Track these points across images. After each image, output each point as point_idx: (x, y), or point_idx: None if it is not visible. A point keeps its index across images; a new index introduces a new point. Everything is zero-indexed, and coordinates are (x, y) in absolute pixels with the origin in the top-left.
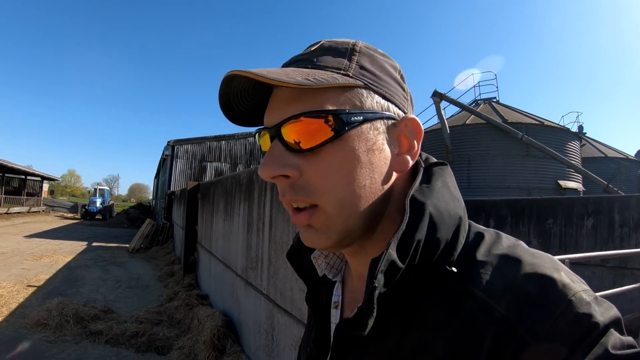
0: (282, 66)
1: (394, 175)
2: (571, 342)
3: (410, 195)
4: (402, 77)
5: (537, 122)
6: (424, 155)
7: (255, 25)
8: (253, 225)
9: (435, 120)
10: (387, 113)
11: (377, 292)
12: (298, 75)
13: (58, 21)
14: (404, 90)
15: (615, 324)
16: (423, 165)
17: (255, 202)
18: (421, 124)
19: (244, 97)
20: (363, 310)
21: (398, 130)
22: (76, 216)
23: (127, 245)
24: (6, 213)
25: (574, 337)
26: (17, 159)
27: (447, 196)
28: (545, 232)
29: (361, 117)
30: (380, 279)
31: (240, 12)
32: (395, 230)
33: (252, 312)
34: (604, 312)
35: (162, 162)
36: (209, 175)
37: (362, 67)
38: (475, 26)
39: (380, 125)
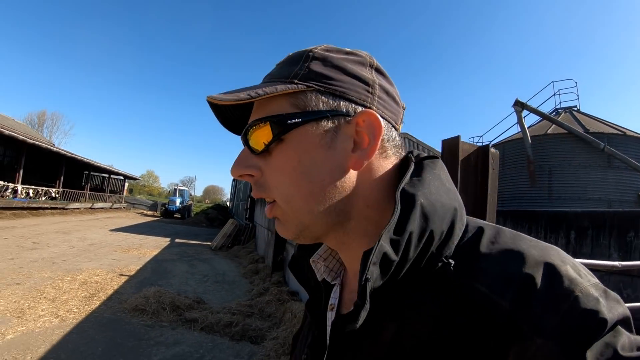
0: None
1: (351, 172)
2: (578, 340)
3: (400, 188)
4: (375, 70)
5: (620, 132)
6: (415, 152)
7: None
8: None
9: (515, 129)
10: (337, 110)
11: (369, 284)
12: (244, 92)
13: (147, 22)
14: (367, 84)
15: (624, 321)
16: (414, 160)
17: None
18: (379, 118)
19: (238, 110)
20: (357, 304)
21: (353, 126)
22: (155, 214)
23: (209, 243)
24: (91, 208)
25: (581, 336)
26: (101, 158)
27: (439, 188)
28: (626, 245)
29: (299, 119)
30: (372, 271)
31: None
32: (385, 224)
33: None
34: (612, 308)
35: None
36: None
37: (310, 72)
38: (552, 31)
39: (327, 123)
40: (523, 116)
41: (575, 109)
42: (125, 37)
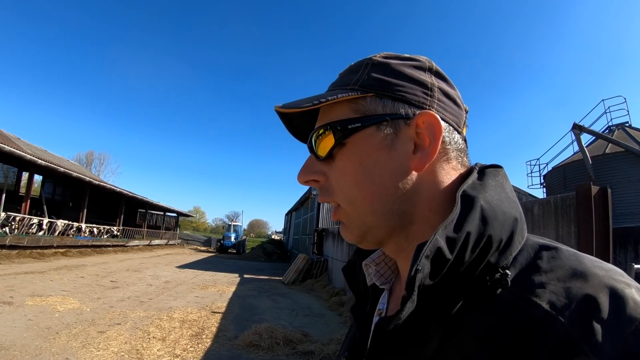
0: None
1: (413, 173)
2: None
3: (462, 189)
4: (435, 73)
5: None
6: (479, 163)
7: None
8: None
9: (570, 150)
10: (396, 113)
11: (419, 275)
12: (308, 101)
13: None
14: (425, 87)
15: None
16: (477, 168)
17: None
18: (439, 119)
19: (306, 120)
20: (404, 297)
21: (413, 128)
22: (210, 249)
23: (278, 278)
24: (149, 245)
25: None
26: (149, 196)
27: (501, 195)
28: None
29: (359, 123)
30: (424, 264)
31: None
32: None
33: None
34: None
35: (304, 200)
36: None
37: (369, 78)
38: (586, 47)
39: (387, 126)
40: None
41: (627, 125)
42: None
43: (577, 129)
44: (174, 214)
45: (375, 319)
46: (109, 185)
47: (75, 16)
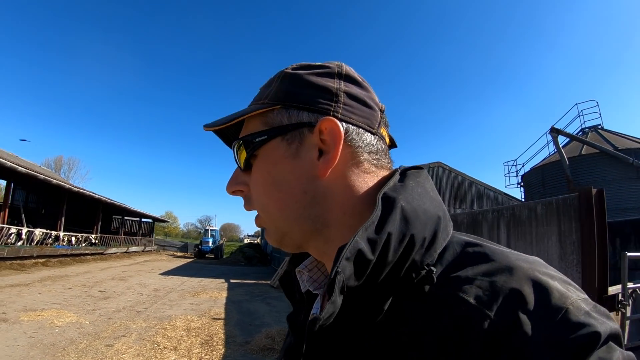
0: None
1: (320, 179)
2: (572, 353)
3: (382, 191)
4: (345, 78)
5: None
6: (402, 166)
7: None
8: None
9: (545, 151)
10: (299, 123)
11: (339, 277)
12: (227, 119)
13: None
14: (330, 93)
15: (615, 337)
16: (399, 170)
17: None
18: (338, 124)
19: (236, 133)
20: (326, 299)
21: (316, 135)
22: (187, 255)
23: (265, 282)
24: (126, 252)
25: (574, 348)
26: (120, 201)
27: (422, 195)
28: None
29: (265, 136)
30: (345, 266)
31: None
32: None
33: None
34: (603, 322)
35: None
36: None
37: (278, 91)
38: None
39: (291, 136)
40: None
41: (600, 127)
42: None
43: (555, 132)
44: (149, 220)
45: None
46: (87, 192)
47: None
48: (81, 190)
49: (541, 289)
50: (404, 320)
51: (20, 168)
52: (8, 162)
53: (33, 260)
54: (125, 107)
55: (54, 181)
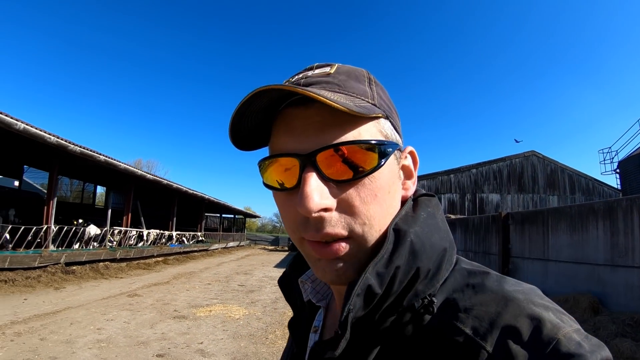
0: (294, 83)
1: (399, 202)
2: None
3: (394, 223)
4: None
5: None
6: (417, 189)
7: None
8: (620, 233)
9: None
10: (398, 142)
11: (352, 315)
12: (345, 100)
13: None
14: (397, 114)
15: None
16: (412, 196)
17: (619, 220)
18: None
19: (253, 119)
20: (337, 333)
21: (402, 159)
22: (277, 248)
23: None
24: (225, 247)
25: None
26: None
27: (432, 227)
28: None
29: (391, 149)
30: (356, 302)
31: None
32: (375, 256)
33: (621, 283)
34: (594, 352)
35: None
36: (443, 206)
37: (380, 99)
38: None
39: (396, 155)
40: None
41: None
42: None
43: None
44: (241, 216)
45: (312, 336)
46: (198, 193)
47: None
48: (190, 191)
49: (534, 321)
50: (403, 346)
51: (148, 176)
52: (139, 171)
53: (154, 259)
54: (195, 102)
55: (174, 185)
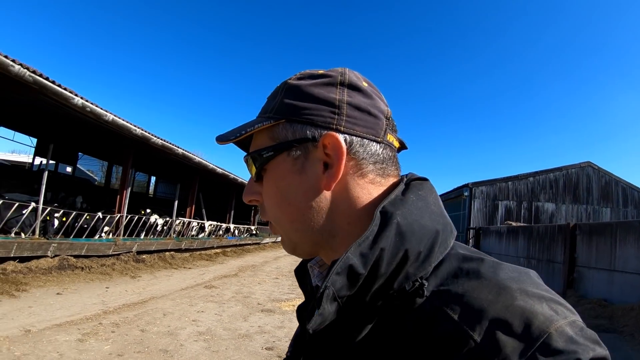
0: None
1: (325, 192)
2: None
3: (381, 206)
4: (348, 87)
5: None
6: (410, 174)
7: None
8: None
9: None
10: (304, 138)
11: (327, 291)
12: (234, 133)
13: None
14: (333, 105)
15: None
16: (405, 180)
17: None
18: (340, 139)
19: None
20: (312, 307)
21: (320, 149)
22: None
23: None
24: (275, 241)
25: None
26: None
27: (422, 209)
28: None
29: (271, 152)
30: (335, 280)
31: None
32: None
33: None
34: (587, 347)
35: (454, 197)
36: (500, 213)
37: (282, 104)
38: None
39: (296, 151)
40: None
41: None
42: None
43: None
44: None
45: None
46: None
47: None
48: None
49: (526, 313)
50: (394, 328)
51: (219, 170)
52: (211, 165)
53: (214, 251)
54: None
55: (232, 176)
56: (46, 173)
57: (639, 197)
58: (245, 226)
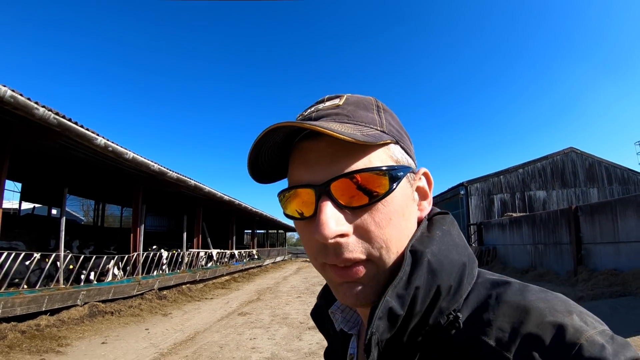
0: (303, 119)
1: (416, 223)
2: None
3: (410, 245)
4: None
5: None
6: (432, 208)
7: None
8: None
9: None
10: (411, 166)
11: (375, 337)
12: (352, 130)
13: None
14: (408, 137)
15: None
16: (426, 216)
17: None
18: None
19: (270, 154)
20: (344, 351)
21: (416, 180)
22: None
23: None
24: (274, 262)
25: None
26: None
27: (448, 244)
28: None
29: (402, 173)
30: (379, 325)
31: None
32: (394, 278)
33: None
34: (618, 353)
35: (450, 197)
36: (496, 206)
37: (389, 124)
38: None
39: (409, 177)
40: None
41: None
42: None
43: None
44: (282, 230)
45: None
46: (255, 209)
47: None
48: (249, 207)
49: (557, 328)
50: None
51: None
52: (225, 196)
53: (224, 278)
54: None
55: (226, 197)
56: (63, 220)
57: (621, 174)
58: (247, 250)
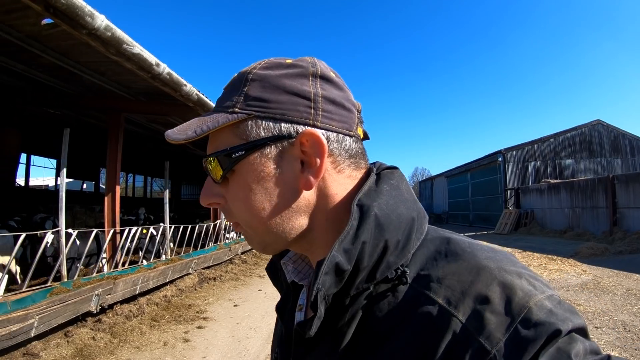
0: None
1: (304, 192)
2: (532, 350)
3: (357, 199)
4: (320, 78)
5: None
6: (378, 163)
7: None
8: None
9: None
10: (278, 135)
11: (321, 293)
12: (193, 128)
13: None
14: (308, 99)
15: (579, 330)
16: (375, 171)
17: None
18: (321, 136)
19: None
20: (293, 306)
21: (297, 147)
22: None
23: (483, 232)
24: None
25: (534, 346)
26: None
27: (396, 198)
28: None
29: (242, 151)
30: (324, 280)
31: None
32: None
33: None
34: (566, 318)
35: (487, 163)
36: (530, 173)
37: (248, 98)
38: None
39: (271, 149)
40: None
41: None
42: None
43: None
44: None
45: (297, 314)
46: None
47: None
48: None
49: (506, 289)
50: (381, 317)
51: None
52: None
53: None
54: None
55: None
56: (167, 192)
57: None
58: None
